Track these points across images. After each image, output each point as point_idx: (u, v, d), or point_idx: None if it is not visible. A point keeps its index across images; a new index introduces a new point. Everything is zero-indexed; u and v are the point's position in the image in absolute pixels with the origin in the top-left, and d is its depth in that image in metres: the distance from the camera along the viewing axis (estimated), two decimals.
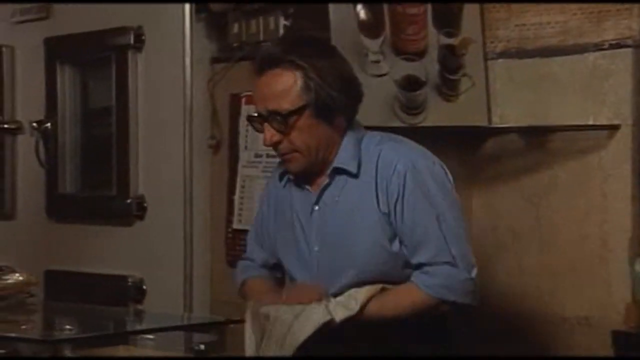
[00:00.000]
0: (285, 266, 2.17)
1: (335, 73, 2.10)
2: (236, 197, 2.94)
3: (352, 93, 2.12)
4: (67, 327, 1.44)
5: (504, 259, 2.67)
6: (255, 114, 2.09)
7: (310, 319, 1.96)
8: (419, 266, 2.07)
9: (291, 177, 2.15)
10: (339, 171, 2.11)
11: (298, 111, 2.06)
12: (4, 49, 3.39)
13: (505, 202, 2.67)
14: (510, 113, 2.67)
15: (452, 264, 2.07)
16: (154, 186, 3.05)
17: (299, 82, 2.06)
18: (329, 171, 2.11)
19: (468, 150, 2.72)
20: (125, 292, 3.03)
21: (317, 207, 2.11)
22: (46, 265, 3.15)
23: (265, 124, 2.08)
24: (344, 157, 2.11)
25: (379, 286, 2.08)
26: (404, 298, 2.07)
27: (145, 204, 3.07)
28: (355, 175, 2.10)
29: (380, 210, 2.07)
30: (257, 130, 2.13)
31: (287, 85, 2.06)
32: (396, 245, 2.07)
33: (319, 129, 2.08)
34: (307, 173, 2.12)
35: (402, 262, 2.08)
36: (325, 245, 2.09)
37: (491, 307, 2.64)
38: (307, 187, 2.13)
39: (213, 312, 2.94)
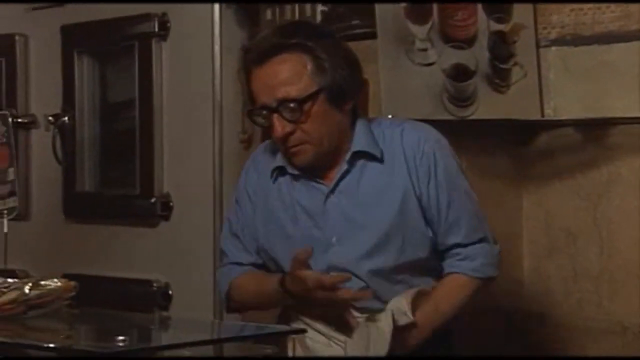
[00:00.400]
0: (284, 266, 2.05)
1: (343, 54, 2.04)
2: None
3: (359, 76, 2.06)
4: (120, 337, 1.35)
5: (558, 261, 2.59)
6: (260, 107, 2.00)
7: (381, 330, 1.88)
8: (453, 247, 2.04)
9: (289, 170, 2.06)
10: (360, 156, 2.06)
11: (312, 96, 1.99)
12: (17, 38, 3.27)
13: (560, 201, 2.59)
14: (564, 105, 2.58)
15: (486, 240, 2.09)
16: (181, 184, 2.94)
17: (309, 65, 1.99)
18: (347, 157, 2.05)
19: (519, 145, 2.63)
20: (149, 298, 2.92)
21: (332, 196, 2.06)
22: (63, 269, 3.00)
23: (275, 115, 2.00)
24: (364, 141, 2.06)
25: (414, 290, 2.01)
26: (456, 291, 2.04)
27: (171, 203, 2.95)
28: (378, 159, 2.05)
29: (415, 194, 2.04)
30: (260, 125, 2.07)
31: (297, 70, 1.99)
32: (430, 229, 2.06)
33: (332, 115, 2.03)
34: (314, 165, 2.05)
35: (434, 247, 2.06)
36: (345, 235, 2.02)
37: (543, 314, 2.55)
38: (316, 178, 2.05)
39: (244, 319, 2.77)
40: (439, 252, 2.08)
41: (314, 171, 2.06)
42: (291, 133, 2.00)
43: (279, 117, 2.00)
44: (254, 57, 2.03)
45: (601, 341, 2.50)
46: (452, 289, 2.04)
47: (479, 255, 2.05)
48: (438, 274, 2.08)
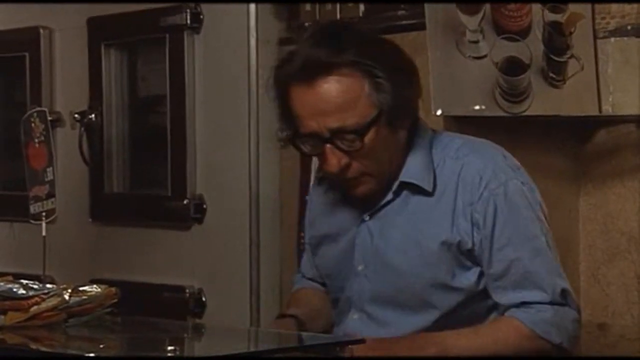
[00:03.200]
0: (327, 285, 2.05)
1: (402, 64, 1.90)
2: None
3: (418, 85, 1.94)
4: (170, 347, 1.38)
5: (618, 267, 2.57)
6: (304, 135, 1.86)
7: None
8: (517, 305, 1.91)
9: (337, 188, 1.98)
10: (408, 186, 1.92)
11: (373, 122, 1.85)
12: (41, 31, 3.32)
13: (620, 203, 2.57)
14: (624, 100, 2.56)
15: (561, 303, 1.93)
16: (215, 185, 2.96)
17: (367, 86, 1.85)
18: (394, 186, 1.93)
19: (576, 143, 2.62)
20: (182, 305, 2.95)
21: (367, 218, 1.94)
22: (91, 274, 3.08)
23: (327, 147, 1.86)
24: (414, 170, 1.93)
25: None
26: (505, 334, 1.90)
27: (204, 206, 2.98)
28: (428, 193, 1.91)
29: (450, 238, 1.89)
30: (307, 154, 1.93)
31: (353, 94, 1.84)
32: (463, 283, 1.91)
33: (392, 137, 1.89)
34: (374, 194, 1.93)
35: (473, 303, 1.92)
36: (371, 268, 1.95)
37: (603, 324, 2.55)
38: (359, 199, 1.95)
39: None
40: (474, 310, 1.94)
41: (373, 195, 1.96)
42: (348, 166, 1.87)
43: (332, 149, 1.86)
44: (295, 71, 1.86)
45: None
46: (502, 332, 1.89)
47: (548, 311, 1.89)
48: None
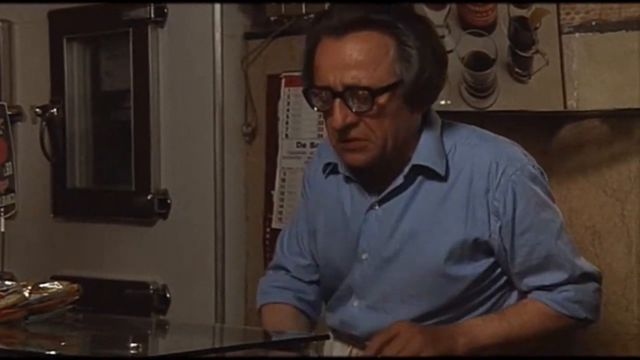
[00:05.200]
0: (322, 273, 2.01)
1: (435, 47, 1.86)
2: (275, 193, 2.85)
3: (444, 76, 1.90)
4: (133, 344, 1.36)
5: None
6: (318, 87, 1.81)
7: None
8: (541, 288, 1.92)
9: (340, 169, 1.94)
10: (419, 170, 1.88)
11: (388, 89, 1.80)
12: (0, 25, 3.28)
13: (585, 197, 2.57)
14: (589, 95, 2.57)
15: (581, 280, 1.95)
16: (179, 180, 2.96)
17: (392, 51, 1.80)
18: (405, 170, 1.88)
19: (541, 138, 2.61)
20: (146, 301, 2.94)
21: (377, 208, 1.90)
22: (52, 270, 3.04)
23: (337, 101, 1.81)
24: (426, 154, 1.89)
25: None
26: (530, 316, 1.90)
27: (168, 201, 2.98)
28: (441, 178, 1.89)
29: (466, 232, 1.86)
30: (317, 109, 1.87)
31: (376, 55, 1.80)
32: (477, 270, 1.89)
33: (405, 115, 1.85)
34: (372, 170, 1.89)
35: (472, 295, 1.92)
36: (377, 256, 1.91)
37: None
38: (366, 184, 1.93)
39: (248, 323, 2.86)
40: (485, 298, 1.93)
41: (368, 176, 1.93)
42: (353, 125, 1.83)
43: (341, 104, 1.81)
44: (329, 25, 1.82)
45: (630, 347, 2.50)
46: (529, 314, 1.90)
47: (569, 290, 1.91)
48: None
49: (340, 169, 1.95)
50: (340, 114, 1.83)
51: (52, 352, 1.53)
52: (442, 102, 2.50)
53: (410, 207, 1.90)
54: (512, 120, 2.58)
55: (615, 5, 2.54)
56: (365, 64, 1.82)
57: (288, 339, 1.56)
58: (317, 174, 2.01)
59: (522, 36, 2.55)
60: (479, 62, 2.51)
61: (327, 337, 1.64)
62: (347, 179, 1.95)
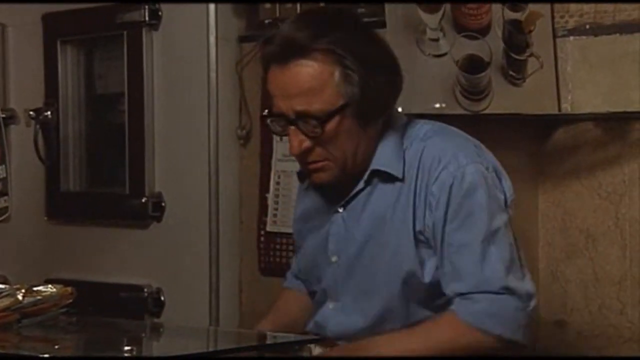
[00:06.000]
0: (306, 278, 2.05)
1: (379, 59, 1.89)
2: (270, 196, 2.86)
3: (397, 85, 1.92)
4: (127, 347, 1.35)
5: (577, 265, 2.57)
6: (274, 115, 1.87)
7: None
8: (459, 295, 1.86)
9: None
10: (378, 174, 1.92)
11: (337, 112, 1.86)
12: None
13: (579, 200, 2.58)
14: (583, 98, 2.57)
15: (504, 293, 1.86)
16: (174, 183, 2.95)
17: (337, 75, 1.85)
18: (366, 175, 1.93)
19: (535, 141, 2.62)
20: (140, 304, 2.93)
21: (341, 210, 1.95)
22: (46, 273, 3.03)
23: (291, 128, 1.88)
24: (384, 158, 1.93)
25: None
26: (441, 331, 1.85)
27: (163, 203, 2.97)
28: (398, 179, 1.91)
29: (413, 226, 1.88)
30: (276, 133, 1.95)
31: (321, 81, 1.85)
32: (428, 272, 1.88)
33: (359, 131, 1.89)
34: (337, 183, 1.93)
35: (435, 294, 1.89)
36: (345, 258, 1.94)
37: (561, 321, 2.56)
38: (333, 190, 1.96)
39: (242, 326, 2.85)
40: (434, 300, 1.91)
41: (333, 186, 1.96)
42: (309, 149, 1.88)
43: (296, 131, 1.87)
44: (274, 52, 1.88)
45: (624, 350, 2.50)
46: (435, 330, 1.84)
47: (484, 300, 1.83)
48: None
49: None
50: (295, 141, 1.89)
51: (46, 355, 1.52)
52: (437, 105, 2.52)
53: (367, 208, 1.94)
54: (506, 123, 2.59)
55: (610, 9, 2.55)
56: (312, 91, 1.87)
57: (282, 342, 1.56)
58: (300, 187, 2.08)
59: (516, 39, 2.56)
60: (473, 65, 2.51)
61: (321, 340, 1.64)
62: (318, 188, 1.99)
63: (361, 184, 1.94)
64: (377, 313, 1.90)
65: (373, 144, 1.93)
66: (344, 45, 1.86)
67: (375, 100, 1.88)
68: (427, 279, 1.88)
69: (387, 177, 1.92)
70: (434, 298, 1.90)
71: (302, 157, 1.90)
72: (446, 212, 1.88)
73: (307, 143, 1.88)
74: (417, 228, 1.88)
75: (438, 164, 1.90)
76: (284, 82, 1.87)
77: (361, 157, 1.92)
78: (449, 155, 1.90)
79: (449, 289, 1.87)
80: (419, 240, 1.89)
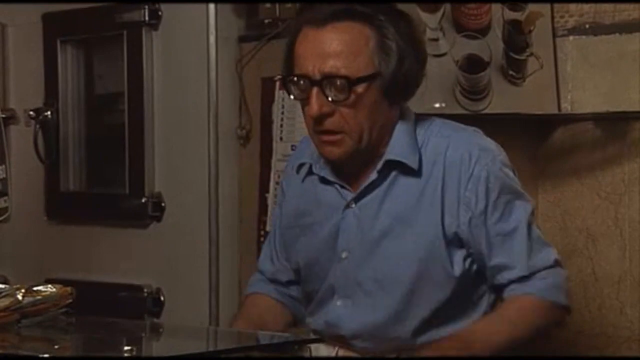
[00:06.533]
0: (303, 277, 2.00)
1: (416, 43, 1.86)
2: (270, 196, 2.84)
3: (421, 74, 1.91)
4: (127, 347, 1.35)
5: (577, 264, 2.57)
6: (299, 76, 1.81)
7: None
8: (519, 280, 1.88)
9: (315, 169, 1.94)
10: (393, 165, 1.88)
11: (366, 79, 1.81)
12: None
13: (578, 200, 2.58)
14: (583, 98, 2.58)
15: (555, 266, 1.92)
16: (174, 183, 2.95)
17: (372, 42, 1.82)
18: (379, 165, 1.87)
19: (535, 141, 2.63)
20: (140, 304, 2.93)
21: (354, 206, 1.90)
22: (46, 273, 3.03)
23: (315, 89, 1.82)
24: (399, 148, 1.88)
25: None
26: (529, 315, 1.86)
27: (162, 204, 2.97)
28: (415, 173, 1.87)
29: (443, 223, 1.85)
30: (295, 97, 1.87)
31: (357, 44, 1.81)
32: (458, 267, 1.87)
33: (381, 108, 1.85)
34: (346, 164, 1.88)
35: (466, 288, 1.88)
36: (357, 254, 1.90)
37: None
38: (342, 183, 1.92)
39: None
40: (467, 295, 1.91)
41: (342, 174, 1.92)
42: (328, 115, 1.83)
43: (319, 93, 1.82)
44: (311, 16, 1.84)
45: (623, 350, 2.50)
46: (517, 313, 1.86)
47: (548, 276, 1.88)
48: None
49: (315, 169, 1.95)
50: (316, 103, 1.83)
51: (45, 355, 1.53)
52: (437, 105, 2.52)
53: (386, 204, 1.90)
54: (506, 123, 2.59)
55: (609, 9, 2.55)
56: (344, 54, 1.82)
57: (281, 342, 1.56)
58: (293, 180, 2.01)
59: (516, 39, 2.57)
60: (473, 65, 2.52)
61: (321, 340, 1.64)
62: (323, 180, 1.95)
63: (374, 175, 1.90)
64: (395, 309, 1.88)
65: (390, 127, 1.89)
66: (386, 15, 1.84)
67: (405, 80, 1.85)
68: (457, 272, 1.87)
69: (404, 170, 1.89)
70: (455, 297, 1.89)
71: (319, 123, 1.85)
72: (486, 206, 1.87)
73: (327, 107, 1.83)
74: (449, 226, 1.87)
75: (469, 159, 1.88)
76: (317, 42, 1.82)
77: (377, 136, 1.87)
78: (477, 150, 1.90)
79: (502, 277, 1.88)
80: (449, 238, 1.87)
